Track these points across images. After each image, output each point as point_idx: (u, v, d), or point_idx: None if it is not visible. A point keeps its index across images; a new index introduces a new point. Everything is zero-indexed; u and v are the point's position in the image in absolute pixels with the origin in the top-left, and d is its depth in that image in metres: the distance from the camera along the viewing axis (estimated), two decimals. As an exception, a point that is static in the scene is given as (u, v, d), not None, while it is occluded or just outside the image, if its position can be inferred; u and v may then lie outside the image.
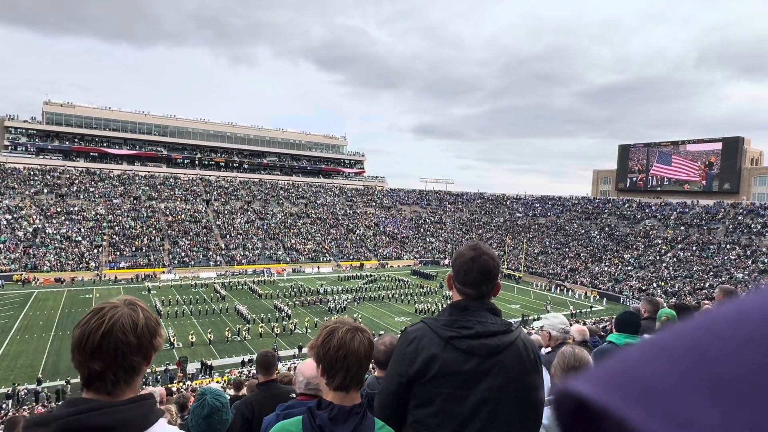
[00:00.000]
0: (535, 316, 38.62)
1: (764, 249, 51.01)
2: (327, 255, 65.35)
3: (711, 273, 49.67)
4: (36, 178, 63.32)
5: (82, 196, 62.84)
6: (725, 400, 0.29)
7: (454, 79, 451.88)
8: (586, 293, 51.20)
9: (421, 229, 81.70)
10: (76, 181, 65.52)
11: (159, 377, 24.59)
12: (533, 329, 26.18)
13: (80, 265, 50.28)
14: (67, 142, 73.09)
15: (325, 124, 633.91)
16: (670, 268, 53.25)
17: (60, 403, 1.21)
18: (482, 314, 1.78)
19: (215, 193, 74.31)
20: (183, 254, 56.81)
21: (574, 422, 0.35)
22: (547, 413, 2.10)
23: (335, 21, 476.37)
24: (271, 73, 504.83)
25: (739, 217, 57.90)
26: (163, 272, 52.23)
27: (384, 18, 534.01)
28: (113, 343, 1.15)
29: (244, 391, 7.83)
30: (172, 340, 30.80)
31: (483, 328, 1.74)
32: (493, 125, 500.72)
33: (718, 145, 68.22)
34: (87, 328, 1.17)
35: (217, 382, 22.58)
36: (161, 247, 57.26)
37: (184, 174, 77.69)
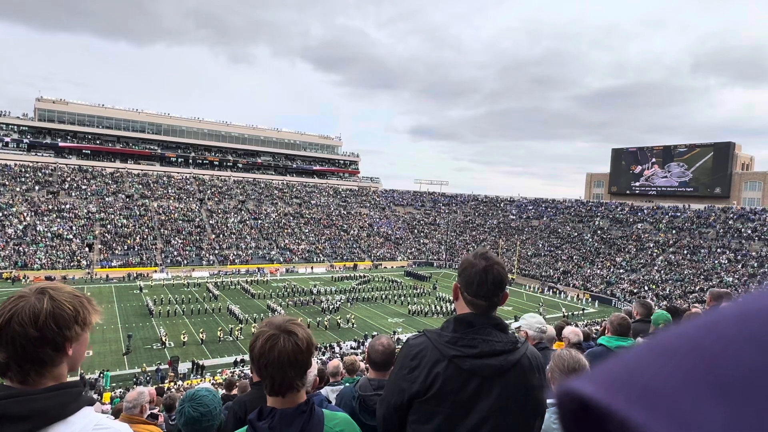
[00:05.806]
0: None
1: (754, 253, 51.56)
2: (320, 255, 65.23)
3: (702, 276, 50.12)
4: (27, 174, 62.66)
5: (73, 194, 62.29)
6: (728, 400, 0.29)
7: (452, 81, 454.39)
8: (578, 295, 51.47)
9: (415, 231, 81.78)
10: (68, 179, 64.93)
11: (150, 377, 24.44)
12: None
13: (71, 263, 49.85)
14: (59, 139, 72.32)
15: (321, 124, 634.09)
16: (662, 272, 53.67)
17: None
18: (488, 331, 1.73)
19: (209, 192, 73.93)
20: (176, 253, 56.47)
21: (576, 422, 0.35)
22: (545, 416, 2.09)
23: (336, 21, 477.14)
24: (268, 72, 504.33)
25: (730, 222, 58.48)
26: (156, 271, 51.88)
27: (384, 19, 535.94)
28: (11, 336, 1.13)
29: (235, 390, 7.80)
30: (163, 339, 30.65)
31: (488, 347, 1.69)
32: (489, 127, 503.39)
33: (710, 150, 68.91)
34: None
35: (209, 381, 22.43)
36: (154, 246, 56.88)
37: (178, 173, 77.21)
